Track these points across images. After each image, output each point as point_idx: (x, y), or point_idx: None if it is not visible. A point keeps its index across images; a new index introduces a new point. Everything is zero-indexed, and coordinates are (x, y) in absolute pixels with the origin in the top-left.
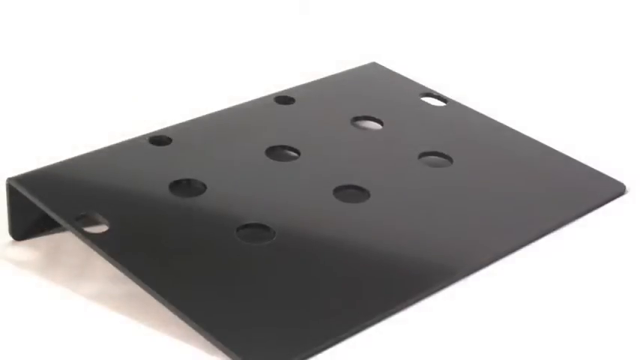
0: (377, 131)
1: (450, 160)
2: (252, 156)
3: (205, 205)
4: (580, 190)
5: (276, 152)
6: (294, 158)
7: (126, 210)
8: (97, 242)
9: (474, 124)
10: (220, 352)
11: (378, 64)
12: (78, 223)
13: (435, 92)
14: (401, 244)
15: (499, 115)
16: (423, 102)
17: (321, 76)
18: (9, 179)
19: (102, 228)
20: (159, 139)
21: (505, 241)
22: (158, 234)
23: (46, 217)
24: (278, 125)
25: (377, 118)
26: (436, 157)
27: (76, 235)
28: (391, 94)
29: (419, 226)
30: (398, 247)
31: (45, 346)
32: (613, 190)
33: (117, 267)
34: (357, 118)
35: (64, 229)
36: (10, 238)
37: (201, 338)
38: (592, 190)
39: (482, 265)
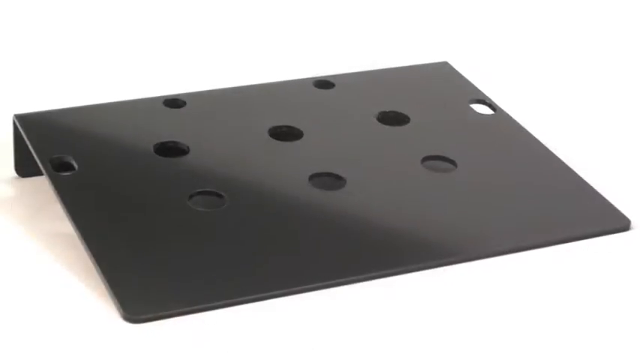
0: (393, 128)
1: (455, 164)
2: (255, 133)
3: (182, 168)
4: (582, 215)
5: (280, 133)
6: (296, 139)
7: (100, 160)
8: (54, 181)
9: (506, 136)
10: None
11: (448, 64)
12: (49, 163)
13: (488, 100)
14: (372, 223)
15: (550, 129)
16: (469, 108)
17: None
18: (15, 115)
19: None
20: (171, 102)
21: (485, 245)
22: (116, 188)
23: None
24: (295, 107)
25: (406, 115)
26: (440, 162)
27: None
28: (439, 95)
29: (408, 214)
30: (366, 223)
31: None
32: (617, 223)
33: (62, 207)
34: (384, 113)
35: None
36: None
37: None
38: (594, 218)
39: (454, 262)
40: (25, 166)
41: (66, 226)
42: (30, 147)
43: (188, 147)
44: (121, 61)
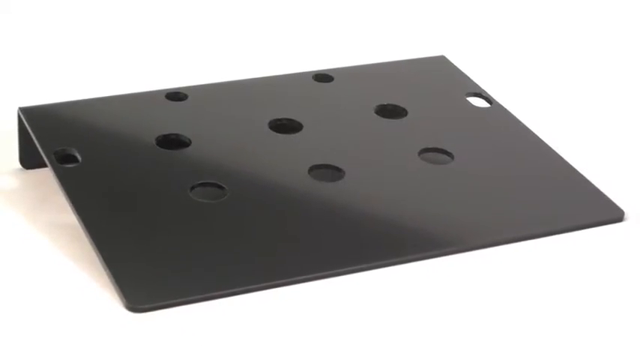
0: (391, 120)
1: (452, 156)
2: (255, 126)
3: (183, 160)
4: (576, 207)
5: (280, 125)
6: (295, 132)
7: (103, 153)
8: (58, 173)
9: (502, 129)
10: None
11: (445, 58)
12: (53, 155)
13: (485, 93)
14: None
15: (545, 121)
16: (465, 101)
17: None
18: (20, 108)
19: None
20: (173, 95)
21: (481, 235)
22: (119, 180)
23: None
24: (294, 100)
25: (404, 108)
26: (437, 154)
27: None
28: (436, 88)
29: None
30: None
31: None
32: (610, 214)
33: (65, 198)
34: (382, 106)
35: None
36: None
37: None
38: (588, 210)
39: (451, 252)
40: (29, 158)
41: (69, 218)
42: (34, 139)
43: (189, 139)
44: (123, 55)
